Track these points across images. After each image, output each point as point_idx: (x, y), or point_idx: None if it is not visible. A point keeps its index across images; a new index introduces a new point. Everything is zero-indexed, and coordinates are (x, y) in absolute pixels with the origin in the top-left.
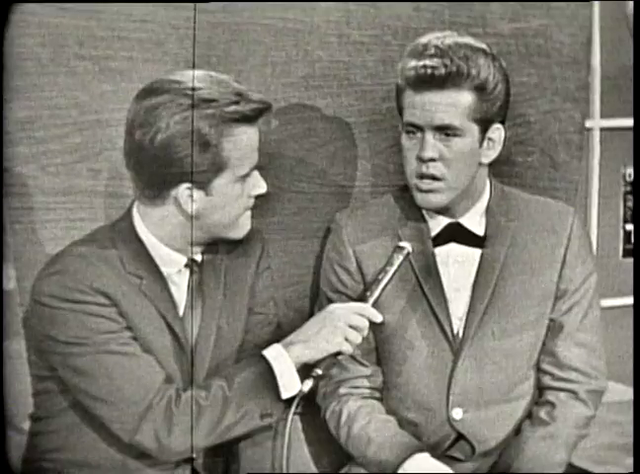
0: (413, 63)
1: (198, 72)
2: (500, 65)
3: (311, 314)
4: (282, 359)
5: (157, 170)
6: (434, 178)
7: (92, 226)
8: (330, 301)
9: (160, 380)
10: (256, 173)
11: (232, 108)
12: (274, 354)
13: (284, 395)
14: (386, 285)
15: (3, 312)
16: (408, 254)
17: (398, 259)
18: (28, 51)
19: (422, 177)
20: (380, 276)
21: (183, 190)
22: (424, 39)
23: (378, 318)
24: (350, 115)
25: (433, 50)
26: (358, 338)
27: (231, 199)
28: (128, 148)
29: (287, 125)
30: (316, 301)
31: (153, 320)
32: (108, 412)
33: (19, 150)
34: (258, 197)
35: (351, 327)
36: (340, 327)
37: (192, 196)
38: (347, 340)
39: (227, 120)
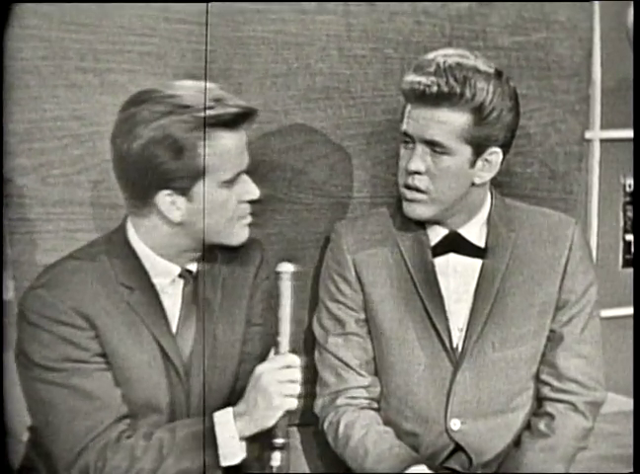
0: (411, 78)
1: (182, 82)
2: (508, 92)
3: (310, 324)
4: (228, 429)
5: (137, 178)
6: (418, 190)
7: (90, 237)
8: (328, 310)
9: (108, 422)
10: (245, 178)
11: (207, 113)
12: (223, 420)
13: (223, 463)
14: (291, 317)
15: (3, 323)
16: (291, 274)
17: (285, 285)
18: (29, 65)
19: (408, 187)
20: (279, 314)
21: (163, 197)
22: (431, 55)
23: (298, 362)
24: (350, 127)
25: (433, 68)
26: (296, 388)
27: (217, 205)
28: (113, 159)
29: (287, 137)
30: (315, 311)
31: (139, 337)
32: (50, 440)
33: (19, 161)
34: (256, 207)
35: (283, 382)
36: (272, 392)
37: (174, 202)
38: (286, 396)
39: (203, 126)
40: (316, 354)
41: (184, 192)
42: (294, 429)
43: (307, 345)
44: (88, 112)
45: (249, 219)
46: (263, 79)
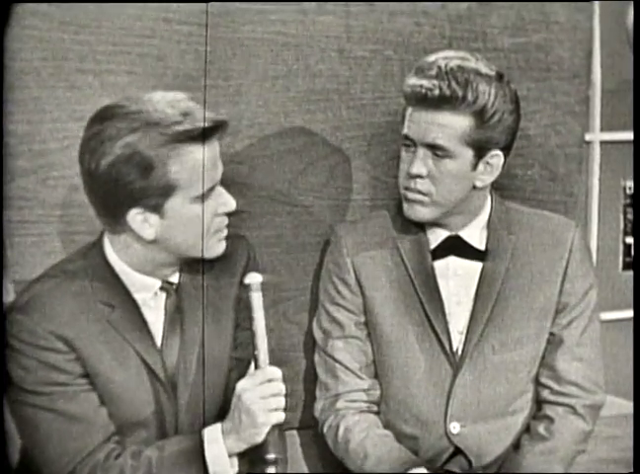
0: (412, 81)
1: (150, 94)
2: (509, 95)
3: (310, 327)
4: (217, 447)
5: (107, 197)
6: (419, 192)
7: (90, 239)
8: (328, 313)
9: (96, 443)
10: (220, 190)
11: (175, 128)
12: (211, 437)
13: None
14: (264, 331)
15: (3, 325)
16: (258, 285)
17: (256, 297)
18: (28, 65)
19: (409, 189)
20: (254, 328)
21: (134, 215)
22: (431, 58)
23: (279, 374)
24: (350, 128)
25: (434, 71)
26: (281, 401)
27: (190, 221)
28: (81, 176)
29: (287, 139)
30: (315, 314)
31: (122, 354)
32: (39, 461)
33: (19, 163)
34: (255, 209)
35: (266, 397)
36: (255, 409)
37: (146, 220)
38: (271, 411)
39: (171, 142)
40: (316, 357)
41: (155, 209)
42: (294, 432)
43: (307, 348)
44: (88, 113)
45: (225, 232)
46: (262, 80)
